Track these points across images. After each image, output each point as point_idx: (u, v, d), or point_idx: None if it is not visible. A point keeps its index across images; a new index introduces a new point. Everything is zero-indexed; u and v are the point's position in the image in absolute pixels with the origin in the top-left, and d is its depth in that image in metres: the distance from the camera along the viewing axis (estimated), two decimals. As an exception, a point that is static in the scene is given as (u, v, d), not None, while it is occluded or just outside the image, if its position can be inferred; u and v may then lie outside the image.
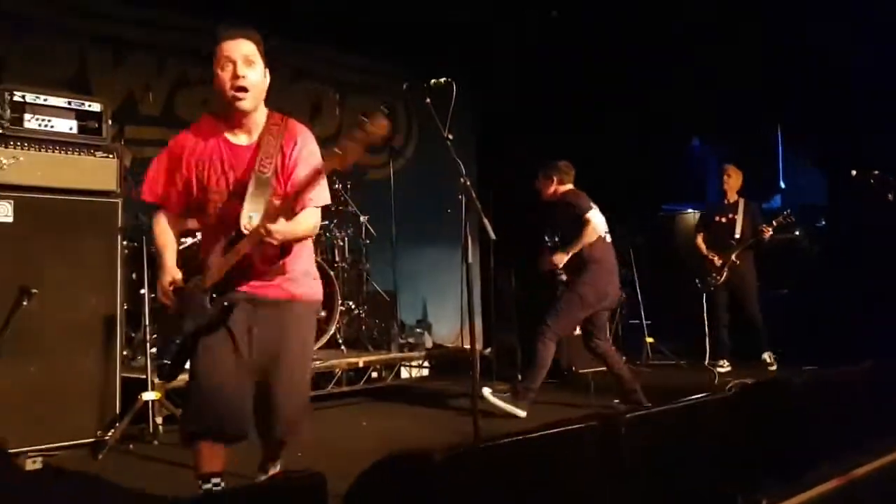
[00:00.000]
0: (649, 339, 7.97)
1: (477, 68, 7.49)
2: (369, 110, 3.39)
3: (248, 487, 1.81)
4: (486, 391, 5.28)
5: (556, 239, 5.59)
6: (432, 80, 3.48)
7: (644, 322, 8.01)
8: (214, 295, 2.90)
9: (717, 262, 7.12)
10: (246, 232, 2.78)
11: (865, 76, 7.30)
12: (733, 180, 7.31)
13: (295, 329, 3.00)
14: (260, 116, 2.97)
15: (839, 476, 3.47)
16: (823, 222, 6.92)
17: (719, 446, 3.13)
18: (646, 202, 9.19)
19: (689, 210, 9.96)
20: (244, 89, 2.84)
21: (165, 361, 2.95)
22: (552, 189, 5.70)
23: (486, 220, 3.33)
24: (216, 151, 2.95)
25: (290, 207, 2.75)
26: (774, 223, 6.96)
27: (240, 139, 2.96)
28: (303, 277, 3.04)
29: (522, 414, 5.18)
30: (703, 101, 8.36)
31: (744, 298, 7.09)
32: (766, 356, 7.06)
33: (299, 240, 2.97)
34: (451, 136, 3.37)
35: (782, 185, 8.81)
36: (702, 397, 3.44)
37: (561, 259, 5.41)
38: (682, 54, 8.13)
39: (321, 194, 2.97)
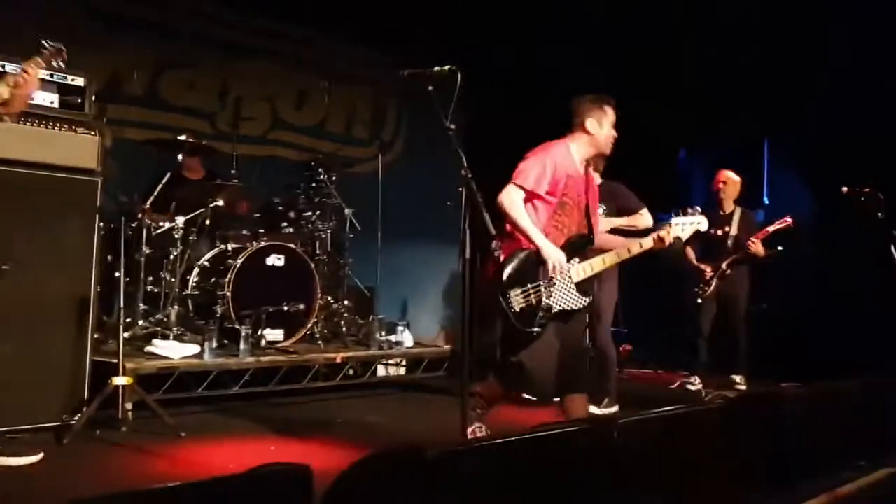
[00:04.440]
0: (628, 347, 7.93)
1: (468, 64, 7.43)
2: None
3: (233, 477, 1.70)
4: (594, 409, 5.47)
5: None
6: (435, 68, 3.39)
7: (623, 330, 7.96)
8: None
9: (708, 273, 6.71)
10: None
11: (859, 89, 7.27)
12: (730, 188, 6.82)
13: None
14: None
15: (825, 493, 3.44)
16: (801, 244, 6.77)
17: (707, 456, 3.08)
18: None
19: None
20: None
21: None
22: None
23: (486, 215, 3.24)
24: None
25: None
26: (770, 229, 6.56)
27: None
28: None
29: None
30: (691, 111, 8.34)
31: (730, 312, 6.72)
32: (737, 377, 6.66)
33: None
34: (452, 126, 3.28)
35: (766, 200, 8.79)
36: (692, 406, 3.40)
37: (609, 224, 5.46)
38: (669, 62, 8.11)
39: None
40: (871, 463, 3.86)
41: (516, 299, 3.84)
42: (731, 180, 6.84)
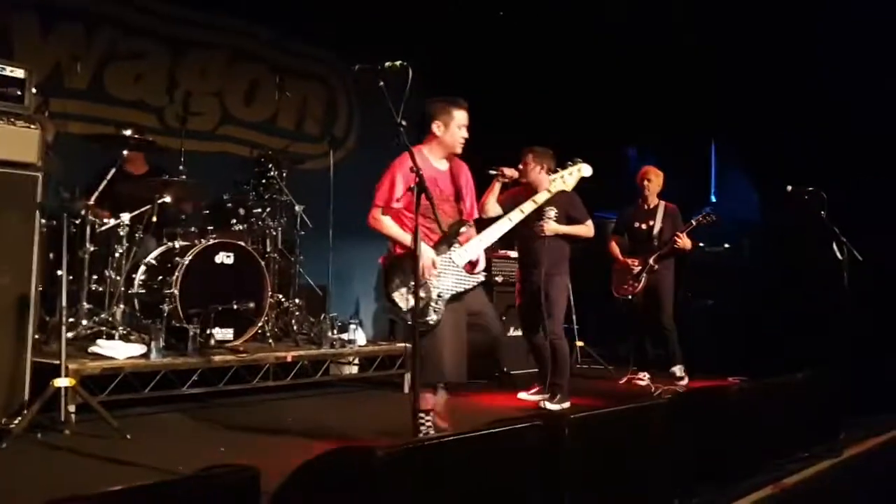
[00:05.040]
0: (579, 343, 7.98)
1: (418, 61, 7.42)
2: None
3: (182, 480, 1.66)
4: (547, 405, 5.68)
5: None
6: (387, 63, 3.36)
7: (574, 326, 8.02)
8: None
9: (635, 268, 6.77)
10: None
11: (804, 90, 7.42)
12: (654, 184, 6.89)
13: None
14: None
15: (772, 484, 3.51)
16: (746, 241, 6.88)
17: (657, 451, 3.11)
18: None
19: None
20: None
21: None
22: (534, 176, 5.60)
23: (437, 212, 3.23)
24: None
25: None
26: (693, 222, 6.64)
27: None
28: None
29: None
30: (641, 110, 8.43)
31: (658, 307, 6.76)
32: (676, 369, 6.71)
33: None
34: (404, 123, 3.25)
35: (713, 199, 8.94)
36: (641, 402, 3.43)
37: (554, 230, 5.61)
38: (619, 62, 8.19)
39: None
40: (815, 454, 3.96)
41: (402, 298, 4.01)
42: (654, 176, 6.96)
